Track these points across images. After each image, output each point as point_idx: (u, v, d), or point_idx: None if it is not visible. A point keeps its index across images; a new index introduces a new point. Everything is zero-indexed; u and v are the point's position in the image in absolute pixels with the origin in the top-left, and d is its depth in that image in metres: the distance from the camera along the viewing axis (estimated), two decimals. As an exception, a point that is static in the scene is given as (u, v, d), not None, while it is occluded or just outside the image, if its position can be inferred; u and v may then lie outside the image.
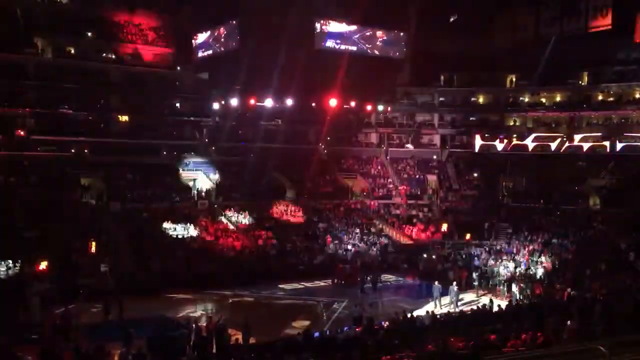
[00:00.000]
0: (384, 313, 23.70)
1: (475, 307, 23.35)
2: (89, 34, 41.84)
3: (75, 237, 30.79)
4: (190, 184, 41.13)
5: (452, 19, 49.12)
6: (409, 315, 20.68)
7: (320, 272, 33.04)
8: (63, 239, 30.24)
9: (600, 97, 46.49)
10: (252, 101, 44.08)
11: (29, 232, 30.16)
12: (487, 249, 35.97)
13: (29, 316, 21.26)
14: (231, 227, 37.31)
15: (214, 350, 18.22)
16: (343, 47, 46.53)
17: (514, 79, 50.08)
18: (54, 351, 16.57)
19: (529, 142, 46.92)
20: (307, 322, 23.34)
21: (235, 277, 30.88)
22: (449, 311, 23.88)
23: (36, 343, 18.13)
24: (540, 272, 30.57)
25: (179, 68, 45.50)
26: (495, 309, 22.60)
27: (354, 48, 46.99)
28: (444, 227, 40.46)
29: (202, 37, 47.65)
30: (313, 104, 46.46)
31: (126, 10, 43.82)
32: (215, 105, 44.68)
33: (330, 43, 46.29)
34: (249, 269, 32.25)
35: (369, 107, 49.13)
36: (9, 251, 27.76)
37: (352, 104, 47.19)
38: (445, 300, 26.86)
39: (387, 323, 19.59)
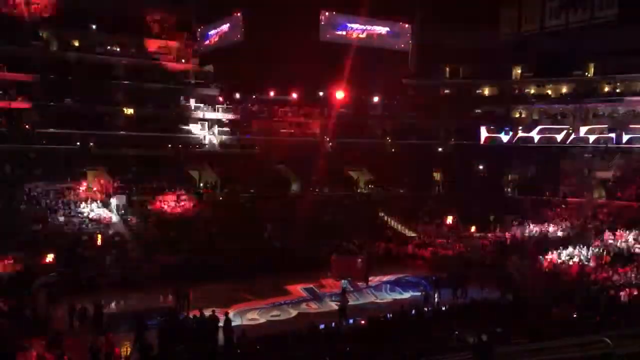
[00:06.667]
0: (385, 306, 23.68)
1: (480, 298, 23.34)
2: (94, 26, 41.80)
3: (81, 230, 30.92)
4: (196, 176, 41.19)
5: None
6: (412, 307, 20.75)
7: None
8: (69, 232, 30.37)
9: (606, 89, 46.20)
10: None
11: (35, 225, 30.32)
12: (492, 241, 35.86)
13: (36, 309, 21.35)
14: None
15: (221, 343, 18.28)
16: (348, 39, 46.30)
17: (519, 71, 49.78)
18: (60, 342, 16.70)
19: (535, 134, 46.70)
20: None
21: (240, 270, 30.69)
22: (453, 302, 23.87)
23: (43, 335, 18.25)
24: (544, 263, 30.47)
25: (183, 61, 45.41)
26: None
27: (359, 40, 46.72)
28: (449, 219, 40.37)
29: (206, 30, 47.50)
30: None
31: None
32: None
33: (335, 35, 46.05)
34: (250, 261, 31.82)
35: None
36: (16, 244, 27.89)
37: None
38: (447, 292, 26.89)
39: (391, 315, 19.65)
